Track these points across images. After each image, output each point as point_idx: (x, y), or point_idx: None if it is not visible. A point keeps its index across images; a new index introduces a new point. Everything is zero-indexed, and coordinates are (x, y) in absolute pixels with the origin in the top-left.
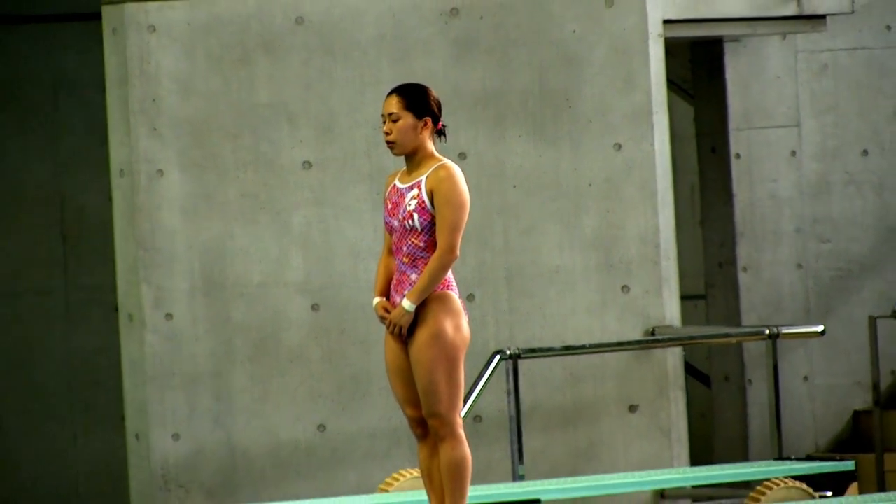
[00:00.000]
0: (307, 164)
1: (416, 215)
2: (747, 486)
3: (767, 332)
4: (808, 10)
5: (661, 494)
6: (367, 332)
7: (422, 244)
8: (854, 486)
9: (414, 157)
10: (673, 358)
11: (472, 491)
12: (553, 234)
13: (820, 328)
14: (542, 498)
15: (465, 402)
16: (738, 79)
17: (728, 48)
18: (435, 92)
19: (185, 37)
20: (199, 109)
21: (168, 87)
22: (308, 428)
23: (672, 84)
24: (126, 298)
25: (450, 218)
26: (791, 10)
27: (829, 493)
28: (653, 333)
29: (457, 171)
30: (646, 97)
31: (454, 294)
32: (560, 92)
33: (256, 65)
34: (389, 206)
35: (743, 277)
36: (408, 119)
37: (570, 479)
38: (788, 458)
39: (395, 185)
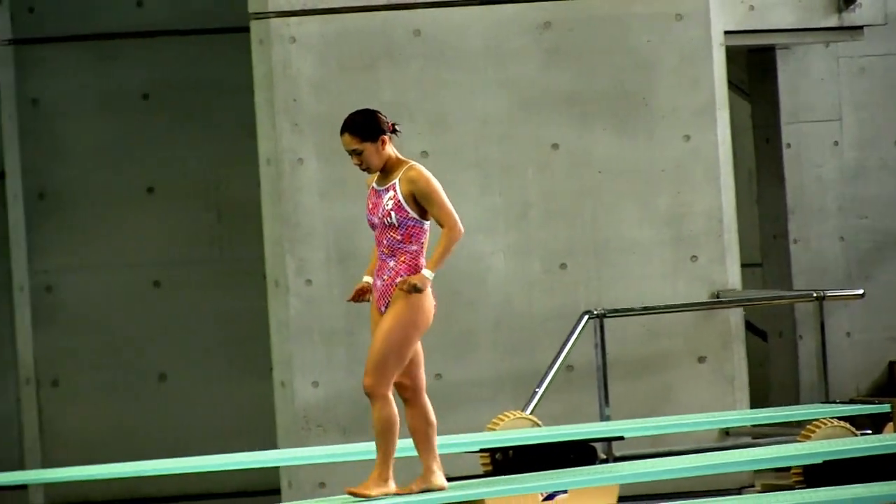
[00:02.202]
0: (424, 154)
1: (393, 213)
2: (799, 425)
3: (815, 294)
4: (847, 23)
5: (726, 432)
6: (475, 294)
7: (399, 237)
8: (890, 425)
9: (385, 167)
10: (735, 316)
11: (569, 428)
12: (632, 212)
13: (860, 291)
14: (625, 435)
15: (559, 354)
16: (787, 80)
17: (779, 54)
18: (371, 108)
19: (321, 46)
20: (332, 108)
21: (306, 89)
22: (426, 376)
23: (732, 85)
24: (273, 268)
25: (437, 203)
26: (833, 22)
27: (869, 431)
28: (717, 296)
29: (421, 167)
30: (710, 96)
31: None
32: (637, 92)
33: (380, 70)
34: (370, 205)
35: (793, 248)
36: (367, 147)
37: (648, 420)
38: (834, 402)
39: (372, 187)
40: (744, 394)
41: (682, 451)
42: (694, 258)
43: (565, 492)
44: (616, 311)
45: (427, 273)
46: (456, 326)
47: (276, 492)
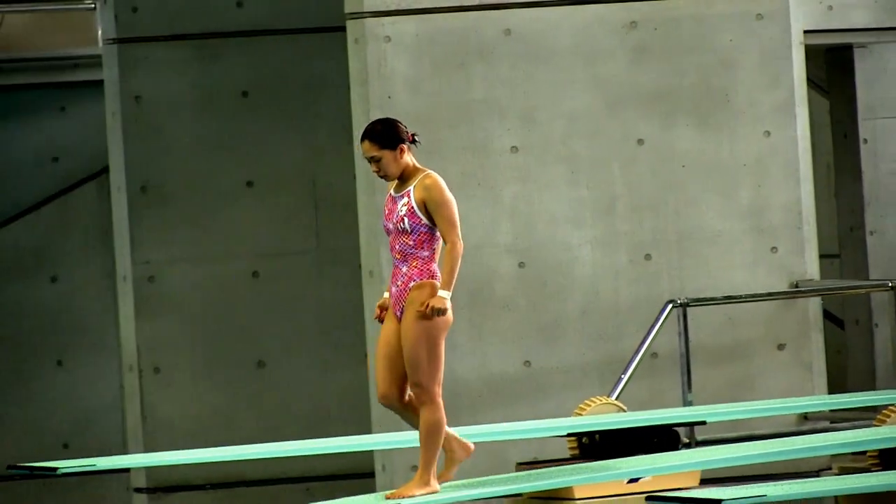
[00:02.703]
0: (514, 149)
1: (406, 219)
2: (874, 410)
3: (890, 284)
4: None
5: (804, 417)
6: (563, 284)
7: (411, 243)
8: None
9: (402, 175)
10: (813, 305)
11: (653, 413)
12: (714, 205)
13: None
14: (707, 420)
15: (644, 342)
16: (864, 77)
17: (857, 53)
18: (391, 118)
19: (415, 45)
20: (425, 105)
21: (400, 86)
22: (516, 363)
23: (811, 82)
24: (367, 258)
25: (445, 216)
26: None
27: None
28: (796, 286)
29: (438, 177)
30: (789, 93)
31: (437, 282)
32: (719, 89)
33: (472, 68)
34: (386, 211)
35: (870, 240)
36: (385, 154)
37: (729, 405)
38: None
39: (390, 194)
40: (822, 380)
41: (762, 435)
42: (774, 249)
43: None
44: (699, 300)
45: (444, 294)
46: (544, 315)
47: (371, 475)
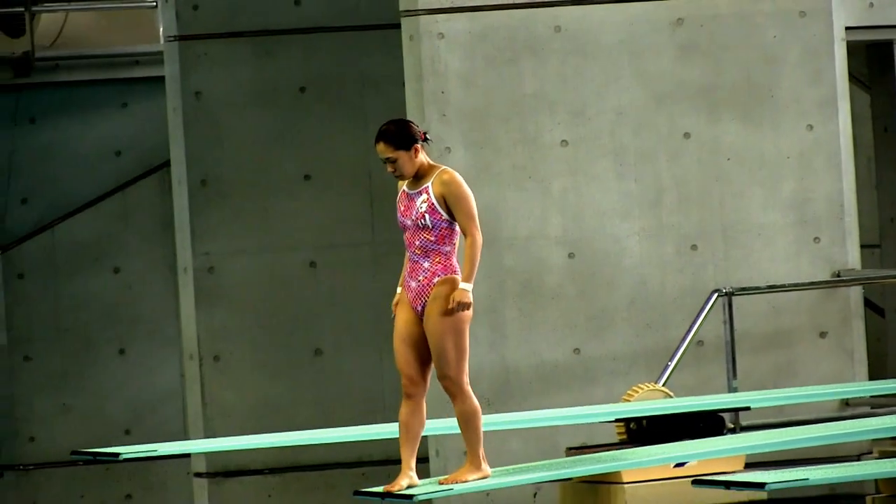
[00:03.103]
0: (564, 143)
1: (427, 216)
2: None
3: None
4: None
5: (846, 403)
6: (612, 274)
7: (433, 238)
8: None
9: (417, 172)
10: (854, 294)
11: (699, 399)
12: (759, 197)
13: None
14: (752, 406)
15: (690, 330)
16: None
17: None
18: (403, 119)
19: (467, 42)
20: (478, 99)
21: (453, 82)
22: (565, 351)
23: (852, 77)
24: None
25: (465, 210)
26: None
27: None
28: (838, 275)
29: (455, 173)
30: (831, 88)
31: (458, 277)
32: (763, 84)
33: (523, 64)
34: (402, 208)
35: None
36: (401, 155)
37: (773, 391)
38: None
39: (404, 190)
40: (862, 366)
41: (805, 420)
42: (816, 240)
43: None
44: (743, 289)
45: (467, 286)
46: (594, 305)
47: (425, 460)
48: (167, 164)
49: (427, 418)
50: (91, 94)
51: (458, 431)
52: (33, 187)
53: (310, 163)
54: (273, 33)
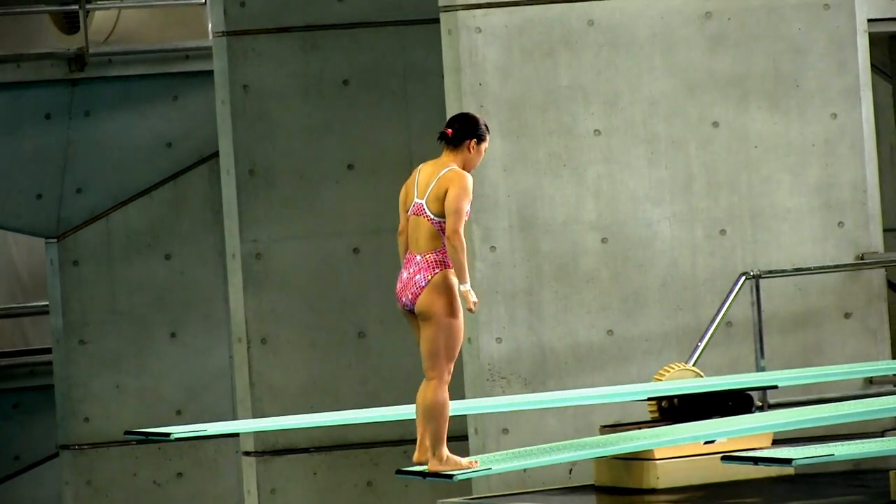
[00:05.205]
0: (597, 132)
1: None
2: None
3: None
4: None
5: (870, 381)
6: (644, 258)
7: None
8: None
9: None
10: (878, 276)
11: (728, 378)
12: (785, 183)
13: None
14: (779, 384)
15: (719, 312)
16: None
17: None
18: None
19: (504, 36)
20: (515, 91)
21: (491, 74)
22: (599, 332)
23: (875, 68)
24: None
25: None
26: None
27: None
28: (862, 258)
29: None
30: (855, 78)
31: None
32: (790, 74)
33: (558, 56)
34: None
35: None
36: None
37: (799, 370)
38: None
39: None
40: (886, 346)
41: (831, 398)
42: (841, 224)
43: None
44: (771, 272)
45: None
46: (627, 287)
47: (464, 437)
48: (216, 154)
49: (466, 398)
50: (143, 87)
51: (496, 410)
52: (88, 178)
53: (353, 152)
54: (318, 28)
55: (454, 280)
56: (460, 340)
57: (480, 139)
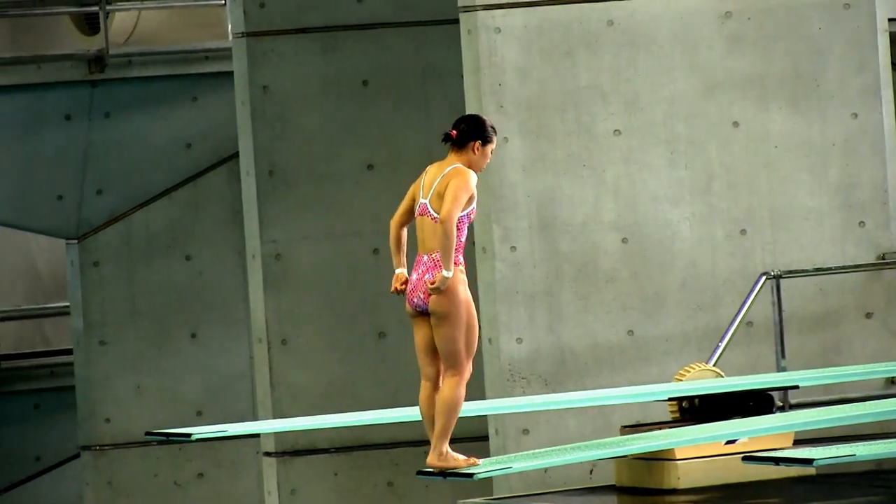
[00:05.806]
0: (617, 132)
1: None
2: None
3: None
4: None
5: (891, 381)
6: (664, 258)
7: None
8: None
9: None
10: None
11: (749, 378)
12: (805, 183)
13: None
14: (800, 384)
15: (740, 312)
16: None
17: None
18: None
19: (523, 36)
20: (534, 91)
21: (511, 74)
22: (619, 332)
23: (895, 67)
24: (481, 235)
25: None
26: None
27: None
28: (883, 258)
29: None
30: (875, 78)
31: (458, 273)
32: (810, 74)
33: (578, 56)
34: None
35: None
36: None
37: (820, 370)
38: None
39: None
40: None
41: (852, 398)
42: (861, 224)
43: None
44: (791, 272)
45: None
46: (647, 287)
47: (485, 438)
48: (236, 155)
49: (486, 398)
50: (163, 88)
51: (516, 411)
52: (108, 179)
53: (373, 153)
54: (337, 29)
55: (463, 276)
56: (477, 335)
57: (486, 141)
